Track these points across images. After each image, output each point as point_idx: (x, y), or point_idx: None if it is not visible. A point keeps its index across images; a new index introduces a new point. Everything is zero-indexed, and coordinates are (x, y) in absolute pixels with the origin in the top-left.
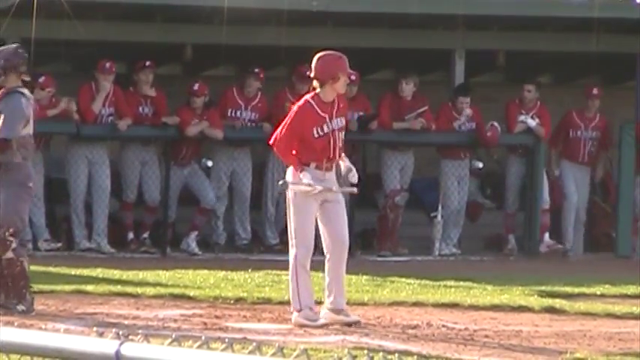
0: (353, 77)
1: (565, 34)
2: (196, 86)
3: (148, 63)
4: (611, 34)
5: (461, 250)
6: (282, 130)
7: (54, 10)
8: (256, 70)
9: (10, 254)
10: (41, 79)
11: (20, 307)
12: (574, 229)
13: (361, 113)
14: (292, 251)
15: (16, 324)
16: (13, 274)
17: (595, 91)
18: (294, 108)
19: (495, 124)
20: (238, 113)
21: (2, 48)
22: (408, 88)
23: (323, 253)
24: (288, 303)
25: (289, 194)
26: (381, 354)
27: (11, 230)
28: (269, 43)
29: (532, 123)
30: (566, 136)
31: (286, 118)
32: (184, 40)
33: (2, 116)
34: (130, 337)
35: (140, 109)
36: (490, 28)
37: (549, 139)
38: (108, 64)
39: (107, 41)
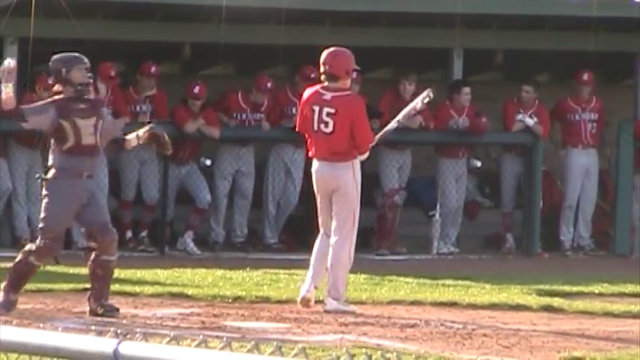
0: (354, 75)
1: (563, 32)
2: (197, 89)
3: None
4: (609, 33)
5: (459, 249)
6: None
7: (52, 9)
8: (269, 85)
9: (116, 255)
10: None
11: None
12: (583, 223)
13: None
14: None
15: (14, 322)
16: (111, 273)
17: (585, 77)
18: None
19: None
20: (244, 116)
21: (60, 57)
22: (410, 89)
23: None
24: (286, 302)
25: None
26: (379, 352)
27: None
28: (268, 41)
29: (530, 122)
30: (565, 122)
31: (363, 118)
32: (183, 38)
33: (111, 119)
34: (129, 335)
35: (137, 107)
36: (488, 26)
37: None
38: (113, 73)
39: (106, 40)
